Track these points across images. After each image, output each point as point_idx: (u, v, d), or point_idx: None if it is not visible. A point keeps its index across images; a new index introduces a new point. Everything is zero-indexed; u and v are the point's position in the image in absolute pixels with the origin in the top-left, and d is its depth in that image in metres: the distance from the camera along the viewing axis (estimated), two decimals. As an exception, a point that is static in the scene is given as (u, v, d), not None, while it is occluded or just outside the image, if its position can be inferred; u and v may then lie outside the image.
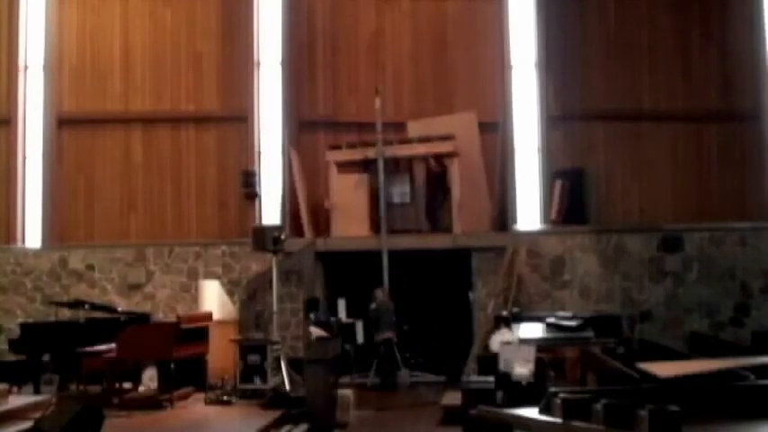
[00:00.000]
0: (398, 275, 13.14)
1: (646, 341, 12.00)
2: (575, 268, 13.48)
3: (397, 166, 13.88)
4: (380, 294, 12.71)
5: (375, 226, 13.60)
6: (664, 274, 13.49)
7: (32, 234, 14.41)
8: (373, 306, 12.62)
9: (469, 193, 13.52)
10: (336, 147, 13.97)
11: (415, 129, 14.07)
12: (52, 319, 11.91)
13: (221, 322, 12.06)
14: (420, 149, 13.69)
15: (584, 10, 14.29)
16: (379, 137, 13.51)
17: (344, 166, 13.92)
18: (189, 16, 14.63)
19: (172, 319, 11.03)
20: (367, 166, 13.82)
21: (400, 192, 13.86)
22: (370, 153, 13.70)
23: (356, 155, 13.82)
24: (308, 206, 14.01)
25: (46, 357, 11.22)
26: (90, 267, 14.01)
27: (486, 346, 10.75)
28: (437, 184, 13.85)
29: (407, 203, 13.91)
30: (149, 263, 14.01)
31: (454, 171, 13.42)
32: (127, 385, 10.85)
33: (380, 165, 13.41)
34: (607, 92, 14.15)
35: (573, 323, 10.30)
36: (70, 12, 14.66)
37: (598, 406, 4.81)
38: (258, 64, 14.64)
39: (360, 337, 12.08)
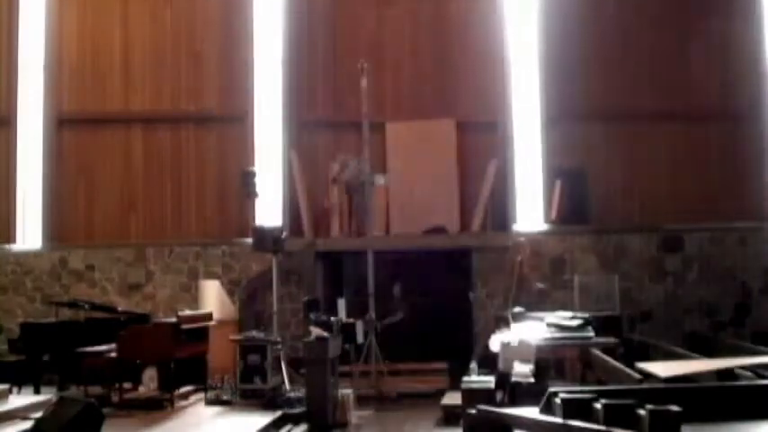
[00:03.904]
0: (398, 275, 13.11)
1: (646, 341, 12.00)
2: (575, 268, 13.48)
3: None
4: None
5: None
6: (664, 274, 13.50)
7: (32, 234, 14.37)
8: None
9: (440, 196, 13.48)
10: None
11: (393, 131, 14.01)
12: (52, 319, 11.88)
13: (221, 322, 12.07)
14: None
15: (584, 10, 14.27)
16: (365, 131, 13.01)
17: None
18: (189, 16, 14.61)
19: (172, 319, 11.01)
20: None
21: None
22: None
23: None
24: (308, 206, 14.01)
25: (46, 357, 11.22)
26: (90, 267, 14.00)
27: (486, 346, 10.74)
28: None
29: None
30: (149, 263, 14.00)
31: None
32: (127, 385, 10.82)
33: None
34: (607, 92, 14.12)
35: (573, 323, 10.29)
36: (70, 12, 14.63)
37: (598, 406, 4.82)
38: (258, 64, 14.64)
39: (360, 337, 12.04)
